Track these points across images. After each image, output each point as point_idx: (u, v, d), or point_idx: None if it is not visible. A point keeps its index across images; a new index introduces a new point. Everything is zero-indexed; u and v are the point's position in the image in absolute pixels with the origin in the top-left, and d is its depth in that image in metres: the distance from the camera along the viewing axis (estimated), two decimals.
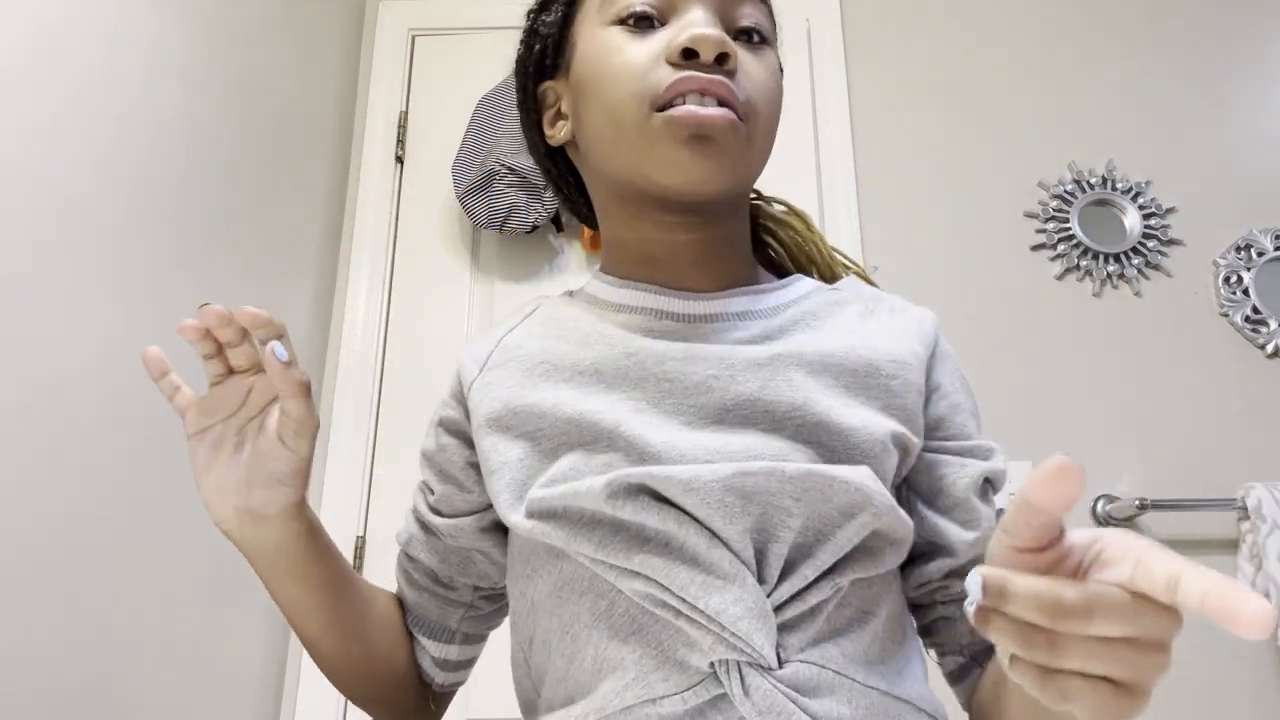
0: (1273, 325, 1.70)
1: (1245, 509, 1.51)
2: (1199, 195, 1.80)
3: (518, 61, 0.73)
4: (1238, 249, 1.76)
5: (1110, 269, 1.75)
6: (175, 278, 1.31)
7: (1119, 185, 1.81)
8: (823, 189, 1.82)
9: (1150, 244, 1.77)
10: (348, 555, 1.62)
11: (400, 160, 1.89)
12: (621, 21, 0.61)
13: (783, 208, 0.75)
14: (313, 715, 1.54)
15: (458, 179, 1.71)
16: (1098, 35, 1.93)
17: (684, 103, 0.57)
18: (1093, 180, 1.81)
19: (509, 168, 1.67)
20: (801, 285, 0.67)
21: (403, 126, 1.91)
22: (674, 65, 0.58)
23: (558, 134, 0.67)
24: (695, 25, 0.58)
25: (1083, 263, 1.76)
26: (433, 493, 0.69)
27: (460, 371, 0.67)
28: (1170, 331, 1.71)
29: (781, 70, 0.66)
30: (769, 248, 0.74)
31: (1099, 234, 1.78)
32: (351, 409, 1.71)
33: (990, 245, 1.78)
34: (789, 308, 0.63)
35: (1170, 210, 1.79)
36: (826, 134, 1.86)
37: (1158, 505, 1.52)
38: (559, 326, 0.65)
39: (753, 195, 0.73)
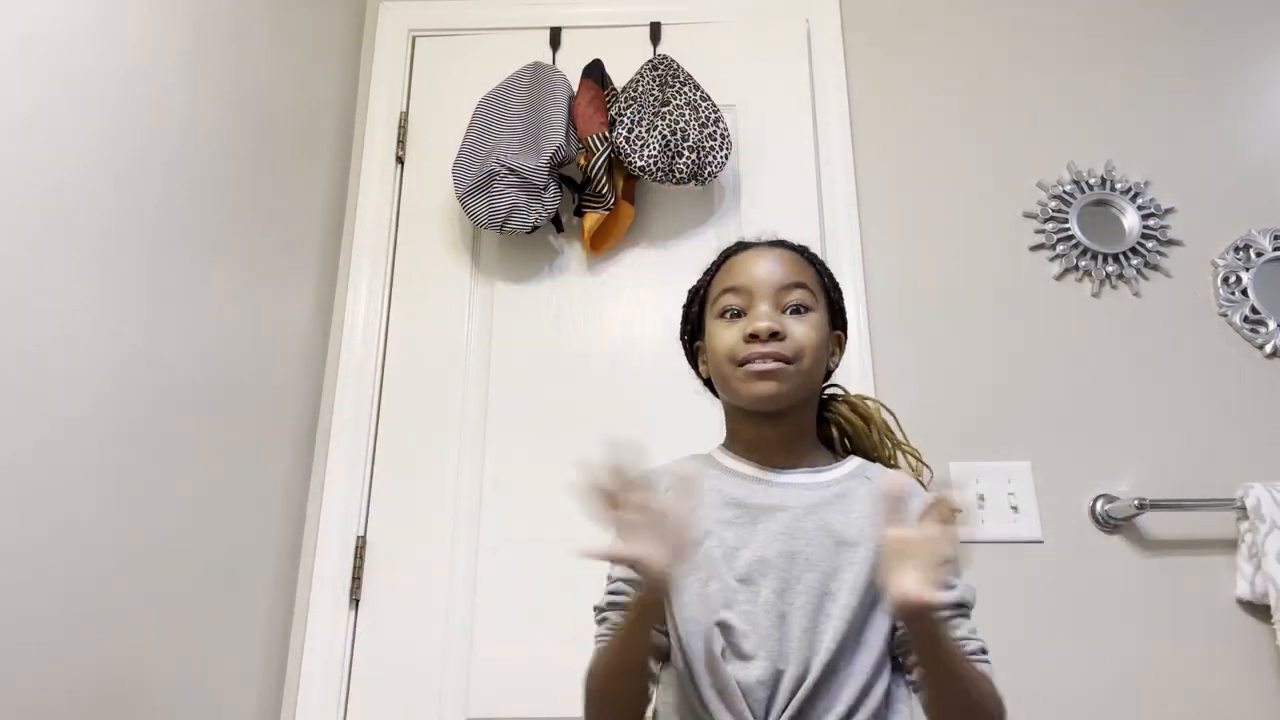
0: (1271, 325, 1.71)
1: (1244, 509, 1.51)
2: (1198, 195, 1.81)
3: (683, 336, 1.16)
4: (1236, 249, 1.76)
5: (1109, 269, 1.75)
6: (176, 277, 1.31)
7: (1118, 185, 1.81)
8: (822, 189, 1.82)
9: (1149, 244, 1.77)
10: (347, 555, 1.63)
11: (400, 160, 1.89)
12: (722, 315, 1.04)
13: (851, 404, 1.12)
14: (313, 715, 1.54)
15: (458, 179, 1.71)
16: (1097, 35, 1.94)
17: (753, 362, 0.99)
18: (1092, 181, 1.81)
19: (509, 168, 1.67)
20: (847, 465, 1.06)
21: (403, 127, 1.91)
22: (747, 341, 0.99)
23: (704, 373, 1.12)
24: (758, 320, 0.99)
25: (1082, 263, 1.76)
26: None
27: None
28: (1169, 332, 1.72)
29: (841, 323, 1.10)
30: (832, 434, 1.11)
31: (1098, 234, 1.78)
32: (352, 409, 1.71)
33: (989, 245, 1.79)
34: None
35: (1169, 210, 1.80)
36: (826, 134, 1.86)
37: (1157, 505, 1.53)
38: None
39: (839, 393, 1.13)
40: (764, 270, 1.04)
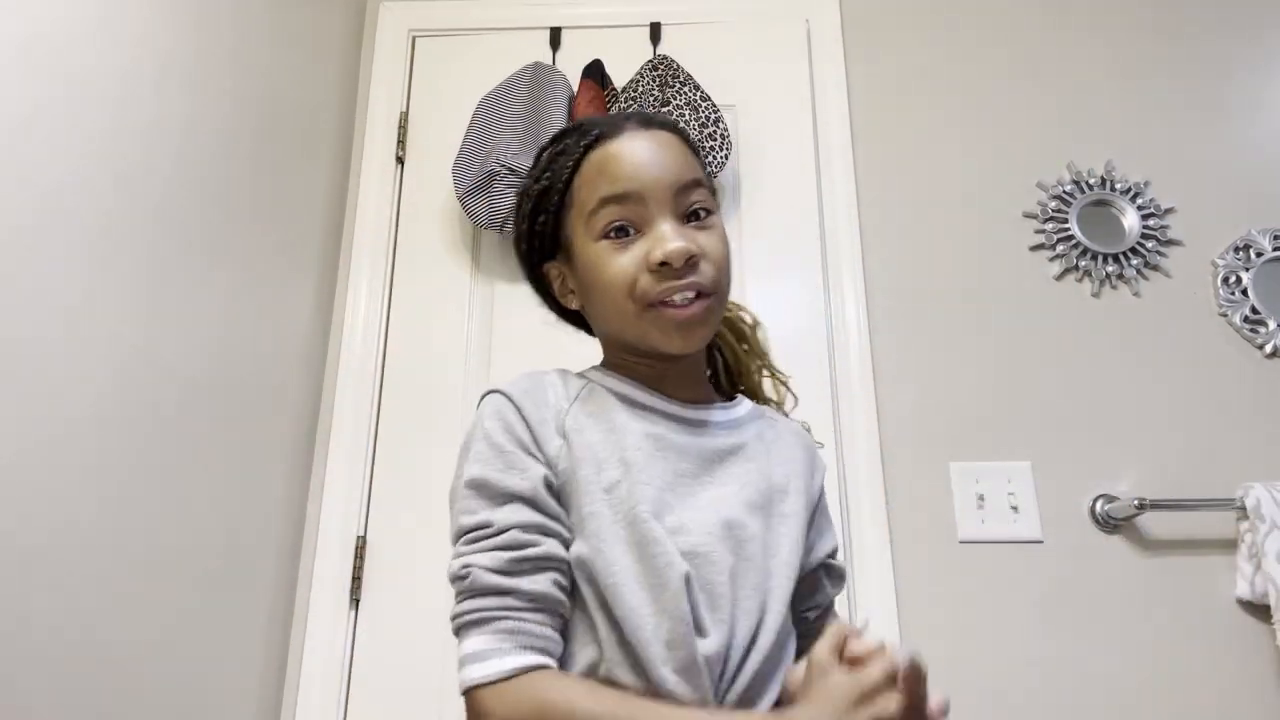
0: (1271, 325, 1.71)
1: (1244, 509, 1.51)
2: (1198, 196, 1.81)
3: (523, 251, 0.92)
4: (1236, 249, 1.76)
5: (1109, 269, 1.75)
6: (176, 277, 1.31)
7: (1118, 186, 1.81)
8: (822, 189, 1.82)
9: (1149, 244, 1.77)
10: (348, 555, 1.63)
11: (400, 160, 1.89)
12: (605, 236, 0.79)
13: (728, 320, 0.93)
14: (313, 715, 1.54)
15: (458, 179, 1.71)
16: (1097, 36, 1.94)
17: (669, 304, 0.77)
18: (1091, 181, 1.81)
19: (509, 168, 1.67)
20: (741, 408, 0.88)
21: (403, 127, 1.91)
22: (654, 273, 0.77)
23: (570, 303, 0.89)
24: (665, 240, 0.77)
25: (1082, 263, 1.76)
26: None
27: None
28: (1169, 332, 1.72)
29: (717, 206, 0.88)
30: (714, 365, 0.94)
31: (1098, 234, 1.78)
32: (352, 409, 1.71)
33: (989, 246, 1.79)
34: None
35: (1169, 211, 1.80)
36: (826, 134, 1.86)
37: (1156, 505, 1.53)
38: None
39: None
40: (654, 166, 0.80)
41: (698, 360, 0.87)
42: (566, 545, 0.74)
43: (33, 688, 1.01)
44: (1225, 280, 1.74)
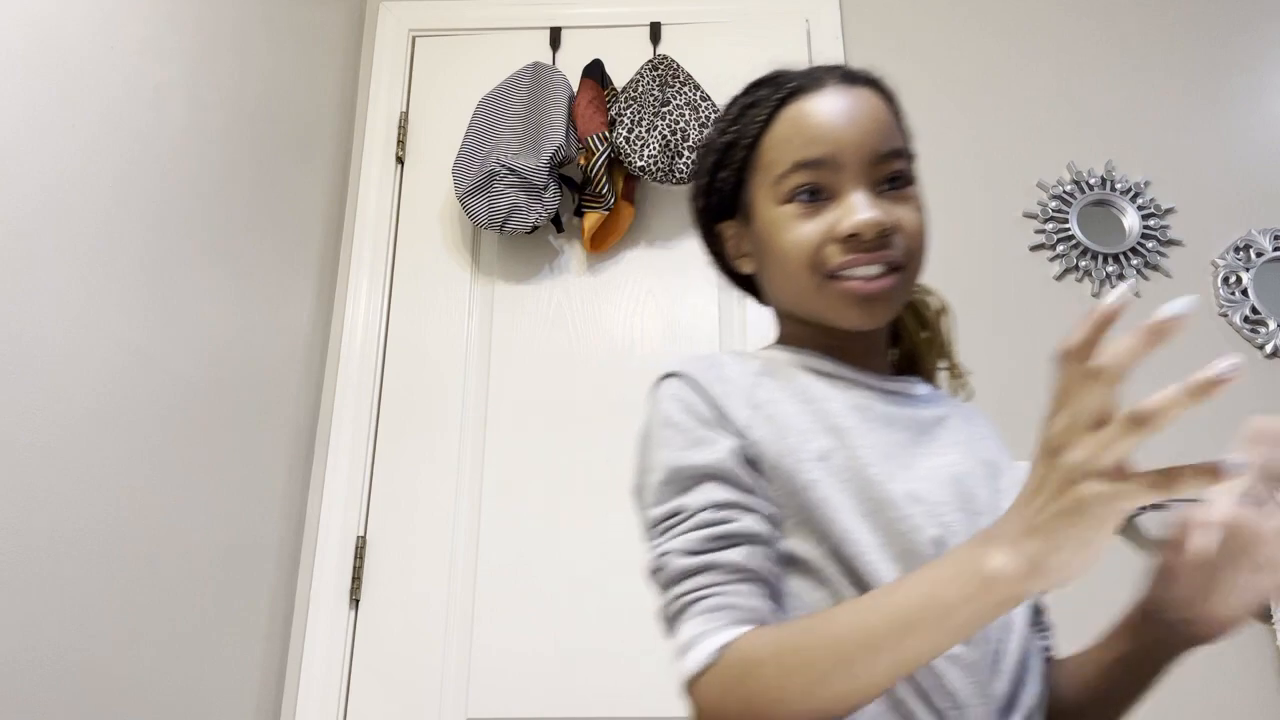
0: (1271, 325, 1.71)
1: None
2: (1198, 196, 1.81)
3: (699, 209, 0.85)
4: (1236, 249, 1.76)
5: (1109, 269, 1.75)
6: (176, 277, 1.31)
7: (1118, 186, 1.81)
8: None
9: (1149, 244, 1.77)
10: (348, 555, 1.63)
11: (400, 160, 1.89)
12: (791, 199, 0.73)
13: (914, 305, 0.85)
14: (313, 715, 1.54)
15: (458, 179, 1.72)
16: (1097, 36, 1.94)
17: (852, 277, 0.71)
18: (1092, 181, 1.81)
19: (509, 168, 1.67)
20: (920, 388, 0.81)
21: (403, 127, 1.91)
22: (841, 244, 0.71)
23: (743, 267, 0.82)
24: (856, 211, 0.70)
25: (1082, 263, 1.76)
26: None
27: None
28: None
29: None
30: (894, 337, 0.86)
31: (1098, 234, 1.78)
32: (352, 409, 1.71)
33: (989, 246, 1.79)
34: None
35: (1169, 211, 1.80)
36: None
37: (1157, 505, 1.53)
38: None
39: None
40: (854, 131, 0.73)
41: (880, 334, 0.80)
42: (769, 521, 0.66)
43: (33, 687, 1.01)
44: (1225, 280, 1.74)
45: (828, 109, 0.74)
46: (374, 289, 1.80)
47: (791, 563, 0.67)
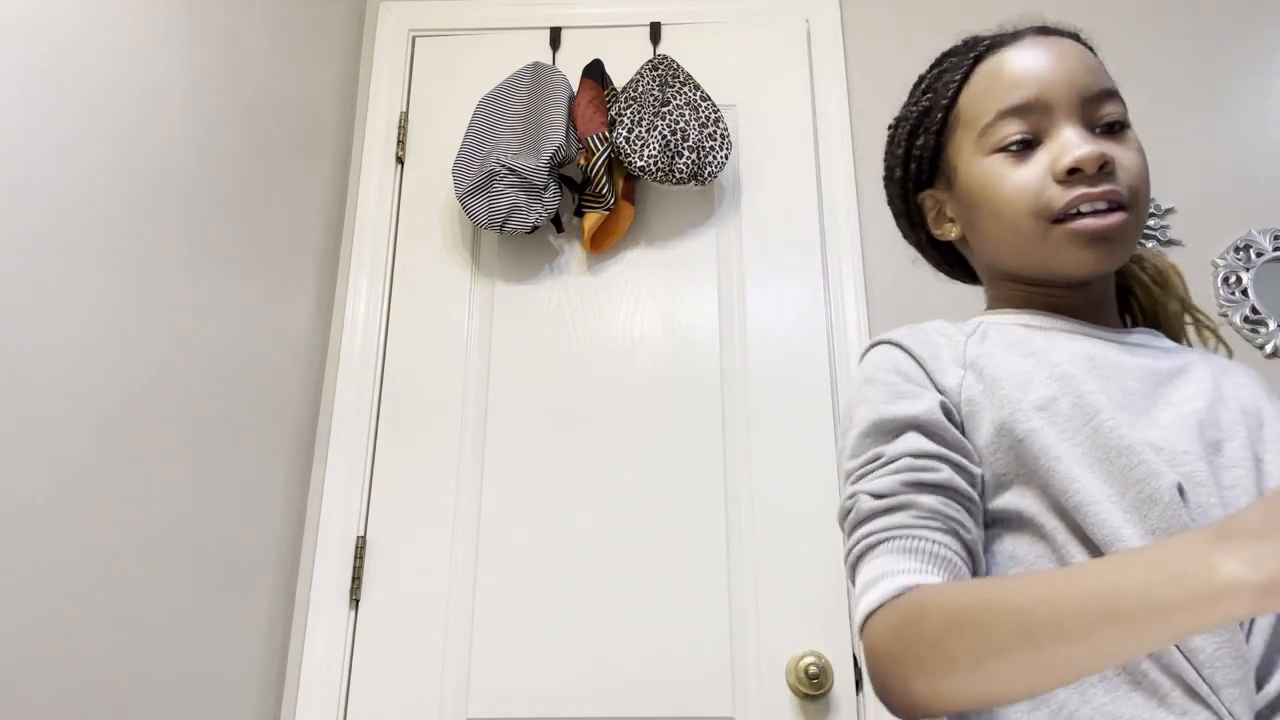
0: (1272, 325, 1.71)
1: None
2: (1198, 196, 1.81)
3: (896, 180, 0.83)
4: (1236, 249, 1.76)
5: None
6: (176, 278, 1.31)
7: None
8: (822, 189, 1.82)
9: (1149, 244, 1.77)
10: (347, 555, 1.63)
11: (400, 160, 1.89)
12: (1002, 149, 0.71)
13: (1143, 262, 0.81)
14: (313, 715, 1.54)
15: (458, 179, 1.72)
16: (1097, 36, 1.93)
17: (1079, 214, 0.67)
18: None
19: (509, 168, 1.67)
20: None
21: (403, 127, 1.91)
22: (1062, 183, 0.68)
23: (947, 234, 0.80)
24: (1074, 146, 0.67)
25: None
26: None
27: None
28: None
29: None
30: (1129, 298, 0.82)
31: None
32: (352, 409, 1.71)
33: None
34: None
35: (1169, 211, 1.80)
36: (826, 133, 1.86)
37: None
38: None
39: None
40: (1060, 71, 0.70)
41: (1108, 289, 0.75)
42: (971, 480, 0.63)
43: (33, 687, 1.01)
44: (1225, 280, 1.74)
45: (1029, 54, 0.72)
46: (374, 289, 1.80)
47: (1010, 520, 0.63)
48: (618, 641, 1.55)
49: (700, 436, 1.66)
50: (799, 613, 1.55)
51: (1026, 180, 0.69)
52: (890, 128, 0.84)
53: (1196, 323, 0.80)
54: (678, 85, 1.75)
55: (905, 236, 0.86)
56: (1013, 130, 0.70)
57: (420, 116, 1.92)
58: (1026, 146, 0.70)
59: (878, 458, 0.63)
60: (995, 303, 0.78)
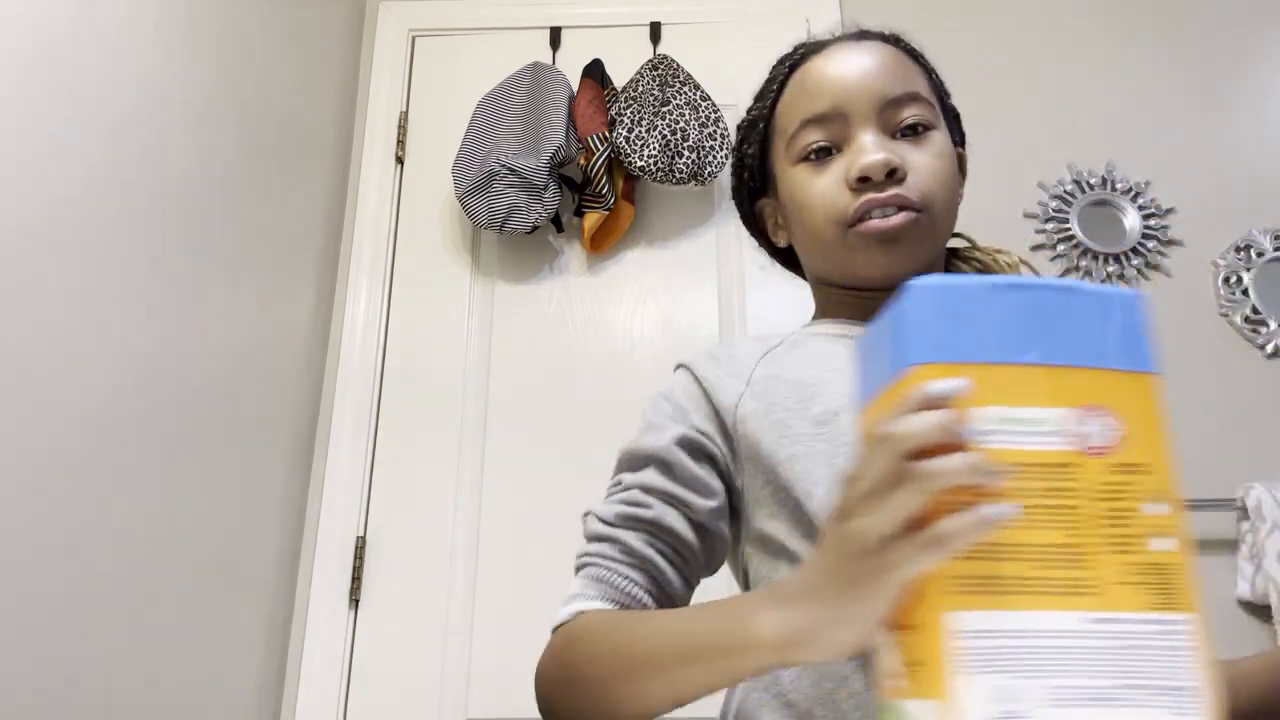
0: (1272, 325, 1.71)
1: (1245, 509, 1.51)
2: (1198, 196, 1.81)
3: (734, 188, 0.85)
4: (1237, 249, 1.76)
5: (1110, 269, 1.75)
6: (175, 278, 1.31)
7: (1118, 186, 1.81)
8: None
9: (1150, 244, 1.77)
10: (347, 555, 1.63)
11: (400, 160, 1.89)
12: (805, 159, 0.73)
13: (983, 264, 0.81)
14: (313, 715, 1.54)
15: (458, 179, 1.71)
16: (1097, 36, 1.93)
17: (870, 218, 0.68)
18: (1092, 181, 1.81)
19: (509, 168, 1.67)
20: None
21: (403, 127, 1.91)
22: (854, 190, 0.69)
23: (780, 241, 0.82)
24: (864, 153, 0.69)
25: (1082, 263, 1.76)
26: None
27: None
28: (1170, 332, 1.71)
29: (959, 137, 0.78)
30: None
31: (1098, 234, 1.78)
32: (352, 409, 1.71)
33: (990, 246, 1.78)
34: None
35: (1170, 211, 1.79)
36: None
37: None
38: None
39: (963, 246, 0.83)
40: (857, 78, 0.71)
41: None
42: (690, 516, 0.67)
43: (33, 687, 1.01)
44: (1226, 280, 1.74)
45: (831, 64, 0.74)
46: (374, 289, 1.80)
47: (765, 542, 0.67)
48: None
49: None
50: None
51: (824, 188, 0.71)
52: (735, 134, 0.86)
53: None
54: (678, 85, 1.75)
55: (758, 243, 0.88)
56: (812, 139, 0.72)
57: (420, 116, 1.92)
58: (828, 154, 0.72)
59: (617, 484, 0.71)
60: (819, 310, 0.81)
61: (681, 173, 1.67)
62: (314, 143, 1.77)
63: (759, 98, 0.80)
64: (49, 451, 1.05)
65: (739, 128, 0.83)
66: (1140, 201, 1.80)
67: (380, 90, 1.93)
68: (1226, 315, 1.72)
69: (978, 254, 0.82)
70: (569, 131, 1.73)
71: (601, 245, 1.76)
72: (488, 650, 1.56)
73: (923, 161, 0.70)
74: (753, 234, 0.86)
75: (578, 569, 0.68)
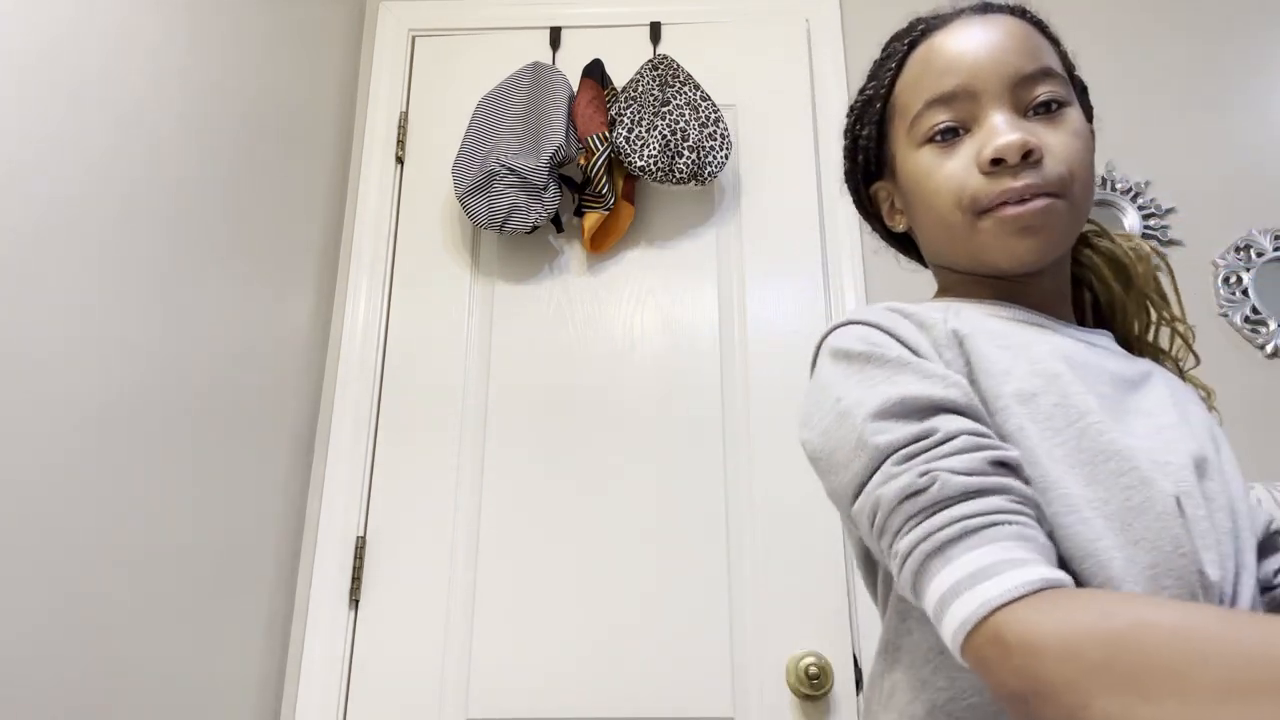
0: (1272, 325, 1.71)
1: None
2: (1198, 196, 1.81)
3: (847, 172, 0.81)
4: (1237, 249, 1.76)
5: None
6: (175, 278, 1.31)
7: (1118, 186, 1.81)
8: (822, 189, 1.82)
9: (1149, 244, 1.76)
10: (348, 555, 1.63)
11: (400, 160, 1.89)
12: (930, 140, 0.69)
13: (1111, 253, 0.77)
14: (313, 715, 1.54)
15: (458, 179, 1.71)
16: (1097, 36, 1.93)
17: (1006, 204, 0.64)
18: None
19: (509, 168, 1.67)
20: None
21: (403, 127, 1.91)
22: (987, 175, 0.65)
23: (898, 225, 0.78)
24: (997, 135, 0.65)
25: None
26: None
27: None
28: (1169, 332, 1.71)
29: (1088, 111, 0.74)
30: (1085, 290, 0.78)
31: None
32: (352, 409, 1.71)
33: None
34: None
35: (1169, 211, 1.80)
36: (826, 134, 1.86)
37: None
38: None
39: (1093, 229, 0.78)
40: (987, 57, 0.67)
41: (1060, 284, 0.71)
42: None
43: (33, 687, 1.01)
44: (1226, 280, 1.74)
45: (958, 39, 0.69)
46: (374, 289, 1.80)
47: None
48: (618, 641, 1.55)
49: (700, 436, 1.66)
50: (799, 613, 1.55)
51: (952, 172, 0.67)
52: (846, 116, 0.82)
53: (1173, 330, 0.77)
54: (678, 85, 1.75)
55: (872, 228, 0.84)
56: (939, 120, 0.68)
57: (420, 116, 1.92)
58: (955, 135, 0.68)
59: (930, 432, 0.55)
60: (948, 291, 0.75)
61: (681, 173, 1.67)
62: (314, 142, 1.77)
63: (872, 76, 0.76)
64: (48, 451, 1.05)
65: (851, 108, 0.79)
66: (1140, 201, 1.80)
67: (380, 90, 1.94)
68: (1226, 315, 1.72)
69: (1105, 243, 0.78)
70: (569, 131, 1.73)
71: (601, 245, 1.77)
72: (488, 650, 1.56)
73: (1059, 142, 0.66)
74: (866, 219, 0.83)
75: (958, 538, 0.50)
